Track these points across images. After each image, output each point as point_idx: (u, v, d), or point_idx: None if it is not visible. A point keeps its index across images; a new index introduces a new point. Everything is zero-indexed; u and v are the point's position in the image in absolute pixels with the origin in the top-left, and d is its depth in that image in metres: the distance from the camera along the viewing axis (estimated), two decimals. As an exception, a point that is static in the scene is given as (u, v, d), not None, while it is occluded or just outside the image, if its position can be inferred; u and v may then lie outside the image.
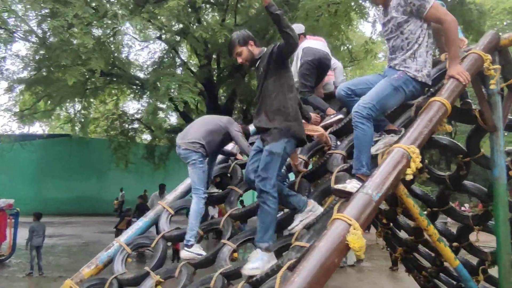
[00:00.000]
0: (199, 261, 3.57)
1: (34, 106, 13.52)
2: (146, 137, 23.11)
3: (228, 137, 4.02)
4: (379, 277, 9.40)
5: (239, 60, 3.17)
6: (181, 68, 15.47)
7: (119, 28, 7.87)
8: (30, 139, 20.02)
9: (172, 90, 7.86)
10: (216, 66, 15.09)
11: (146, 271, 3.63)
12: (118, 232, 10.51)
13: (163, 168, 19.37)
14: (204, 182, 3.85)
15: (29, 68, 11.94)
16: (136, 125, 18.81)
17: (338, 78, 4.90)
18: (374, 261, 10.98)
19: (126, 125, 17.90)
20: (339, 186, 2.53)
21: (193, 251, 3.59)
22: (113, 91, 17.52)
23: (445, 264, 5.19)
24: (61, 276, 8.17)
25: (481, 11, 11.45)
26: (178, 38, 9.55)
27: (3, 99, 15.72)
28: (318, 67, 4.50)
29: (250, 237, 3.53)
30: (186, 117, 15.69)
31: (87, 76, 9.35)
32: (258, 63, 3.14)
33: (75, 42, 7.36)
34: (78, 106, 18.42)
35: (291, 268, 2.26)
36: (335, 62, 4.87)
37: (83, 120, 14.61)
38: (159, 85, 8.22)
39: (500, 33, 3.15)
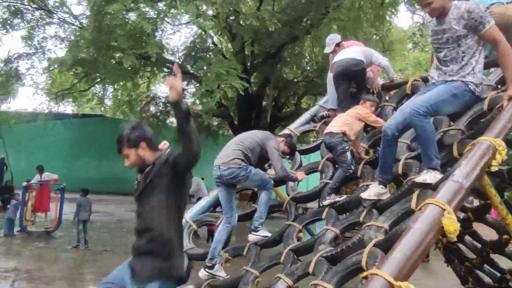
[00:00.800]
0: (265, 241, 3.78)
1: (74, 86, 13.94)
2: (172, 120, 23.56)
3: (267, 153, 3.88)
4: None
5: (126, 162, 2.54)
6: (211, 53, 15.75)
7: (169, 13, 8.07)
8: (65, 118, 20.70)
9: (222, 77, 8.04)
10: (249, 53, 15.20)
11: (214, 247, 3.87)
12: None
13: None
14: (266, 176, 3.94)
15: (68, 49, 12.33)
16: (167, 108, 19.16)
17: (389, 73, 4.88)
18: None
19: (159, 108, 18.26)
20: (419, 180, 2.68)
21: (259, 234, 3.77)
22: (145, 74, 17.89)
23: (491, 255, 5.30)
24: (105, 250, 8.59)
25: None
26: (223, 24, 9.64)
27: (41, 78, 16.13)
28: (343, 77, 4.47)
29: (315, 218, 3.75)
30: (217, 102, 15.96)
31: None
32: (148, 169, 2.47)
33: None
34: (111, 88, 18.95)
35: (378, 246, 2.43)
36: (379, 61, 4.61)
37: (132, 102, 14.91)
38: (207, 70, 8.38)
39: None
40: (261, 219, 3.81)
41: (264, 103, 17.43)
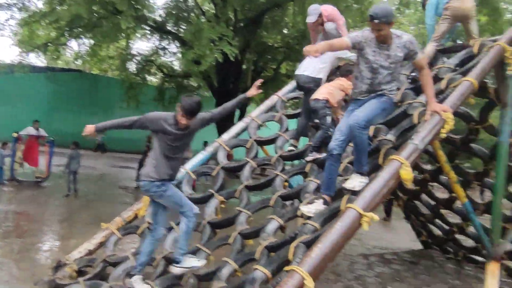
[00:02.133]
0: (256, 185, 4.46)
1: (57, 39, 13.89)
2: (150, 78, 23.56)
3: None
4: (373, 225, 10.56)
5: None
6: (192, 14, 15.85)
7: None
8: (41, 71, 20.46)
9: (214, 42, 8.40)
10: (233, 17, 15.40)
11: (211, 192, 4.53)
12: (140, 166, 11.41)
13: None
14: (184, 200, 3.57)
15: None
16: (147, 66, 19.17)
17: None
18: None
19: (139, 66, 18.30)
20: (349, 186, 3.22)
21: (183, 266, 3.46)
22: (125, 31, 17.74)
23: (441, 211, 6.25)
24: (95, 199, 9.16)
25: (498, -12, 11.94)
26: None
27: (19, 30, 15.85)
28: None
29: (299, 171, 4.46)
30: (196, 62, 16.24)
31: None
32: None
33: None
34: (88, 42, 18.74)
35: (355, 193, 3.15)
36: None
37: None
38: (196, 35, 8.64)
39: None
40: (182, 250, 3.48)
41: (243, 67, 17.79)
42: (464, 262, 6.69)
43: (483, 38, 4.26)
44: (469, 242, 6.62)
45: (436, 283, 5.49)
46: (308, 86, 4.78)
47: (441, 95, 3.78)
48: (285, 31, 18.08)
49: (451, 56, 4.65)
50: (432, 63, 4.51)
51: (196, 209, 3.56)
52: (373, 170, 3.44)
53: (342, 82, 4.56)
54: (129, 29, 16.87)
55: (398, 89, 4.03)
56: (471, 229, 5.82)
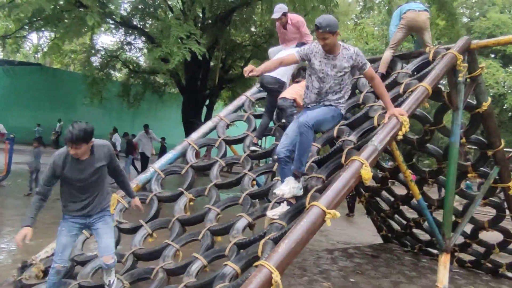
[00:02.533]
0: (224, 183, 4.58)
1: (17, 32, 13.39)
2: (114, 73, 23.05)
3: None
4: (337, 220, 10.93)
5: None
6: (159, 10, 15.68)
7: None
8: (-1, 64, 19.63)
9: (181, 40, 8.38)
10: (201, 14, 15.37)
11: (181, 191, 4.61)
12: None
13: (135, 107, 19.80)
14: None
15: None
16: (111, 62, 18.77)
17: None
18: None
19: (103, 61, 17.89)
20: (279, 192, 3.41)
21: None
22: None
23: (401, 207, 6.60)
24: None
25: (454, -6, 12.56)
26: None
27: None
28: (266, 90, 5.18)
29: (266, 170, 4.61)
30: (164, 60, 16.08)
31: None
32: None
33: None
34: (49, 35, 18.09)
35: (318, 191, 3.33)
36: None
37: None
38: (165, 33, 8.62)
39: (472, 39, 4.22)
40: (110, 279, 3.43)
41: (212, 64, 17.79)
42: (420, 254, 7.10)
43: (437, 45, 4.56)
44: (425, 236, 7.03)
45: (395, 275, 5.81)
46: (272, 87, 4.96)
47: (400, 99, 4.04)
48: (253, 29, 18.26)
49: (410, 61, 4.96)
50: (391, 68, 4.80)
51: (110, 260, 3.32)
52: (336, 169, 3.64)
53: None
54: (93, 24, 16.62)
55: (350, 98, 4.22)
56: (426, 223, 6.17)
